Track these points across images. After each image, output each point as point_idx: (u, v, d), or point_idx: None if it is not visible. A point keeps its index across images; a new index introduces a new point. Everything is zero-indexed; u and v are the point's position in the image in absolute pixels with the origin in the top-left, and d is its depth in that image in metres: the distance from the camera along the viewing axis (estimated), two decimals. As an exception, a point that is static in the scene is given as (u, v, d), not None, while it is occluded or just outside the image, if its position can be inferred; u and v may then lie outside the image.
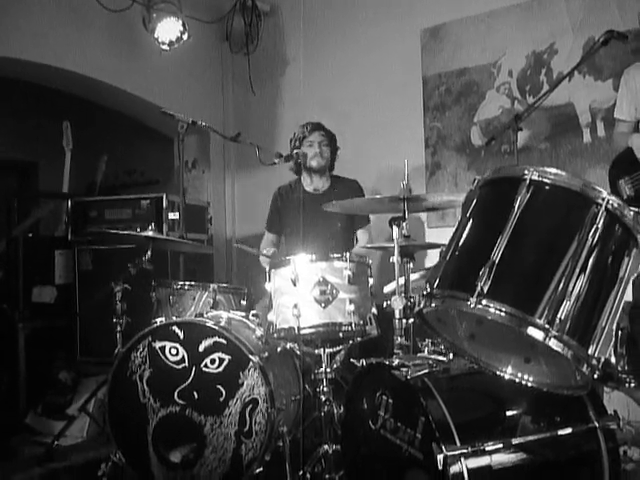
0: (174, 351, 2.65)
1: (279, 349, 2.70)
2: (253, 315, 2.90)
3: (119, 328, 3.00)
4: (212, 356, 2.60)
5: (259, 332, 2.73)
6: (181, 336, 2.66)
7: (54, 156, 4.77)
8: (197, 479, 2.58)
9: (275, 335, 2.57)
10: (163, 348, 2.67)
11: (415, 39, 4.21)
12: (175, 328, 2.67)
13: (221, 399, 2.57)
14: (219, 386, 2.58)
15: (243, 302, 3.10)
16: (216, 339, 2.61)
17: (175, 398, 2.62)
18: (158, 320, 2.75)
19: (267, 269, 2.61)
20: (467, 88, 4.01)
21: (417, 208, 2.68)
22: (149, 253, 2.99)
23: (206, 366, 2.61)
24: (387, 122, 4.25)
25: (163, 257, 3.87)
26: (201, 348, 2.62)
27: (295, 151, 3.37)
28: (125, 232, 3.55)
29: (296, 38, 4.79)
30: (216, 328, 2.62)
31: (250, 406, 2.55)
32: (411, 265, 2.59)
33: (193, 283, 3.07)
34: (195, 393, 2.60)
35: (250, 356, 2.55)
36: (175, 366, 2.64)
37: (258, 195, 4.04)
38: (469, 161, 3.99)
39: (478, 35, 3.96)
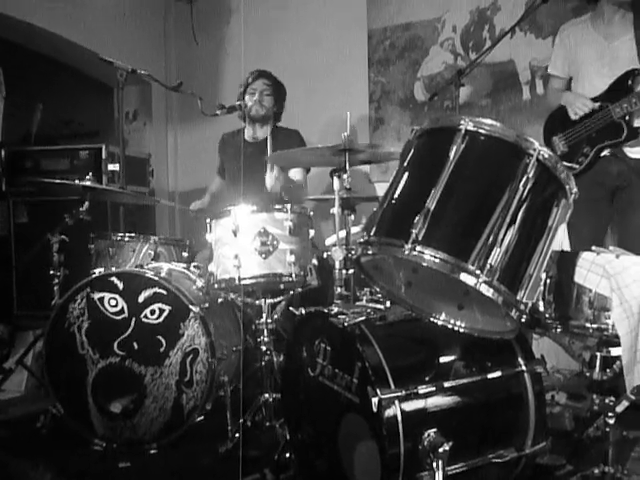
0: (113, 302, 2.63)
1: (220, 300, 2.71)
2: (194, 266, 2.90)
3: (56, 280, 2.95)
4: (152, 307, 2.60)
5: (200, 283, 2.73)
6: (120, 287, 2.63)
7: (-14, 104, 4.57)
8: (138, 428, 2.60)
9: (216, 286, 2.57)
10: (102, 299, 2.64)
11: (362, -8, 4.17)
12: (114, 279, 2.65)
13: (161, 349, 2.58)
14: (159, 337, 2.59)
15: (185, 254, 3.09)
16: (156, 290, 2.60)
17: (115, 349, 2.61)
18: (97, 271, 2.72)
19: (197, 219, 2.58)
20: (411, 43, 4.02)
21: (358, 160, 2.69)
22: (87, 204, 2.93)
23: (146, 317, 2.60)
24: (332, 75, 4.23)
25: (102, 209, 3.80)
26: (141, 299, 2.61)
27: (237, 102, 3.33)
28: (61, 182, 3.46)
29: (241, -13, 4.69)
30: (156, 279, 2.61)
31: (191, 356, 2.57)
32: (352, 217, 2.61)
33: (133, 235, 3.03)
34: (135, 344, 2.60)
35: (190, 306, 2.56)
36: (114, 317, 2.63)
37: (201, 147, 3.98)
38: (412, 116, 4.02)
39: (424, -11, 3.95)
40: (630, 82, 2.87)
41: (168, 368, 2.57)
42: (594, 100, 2.95)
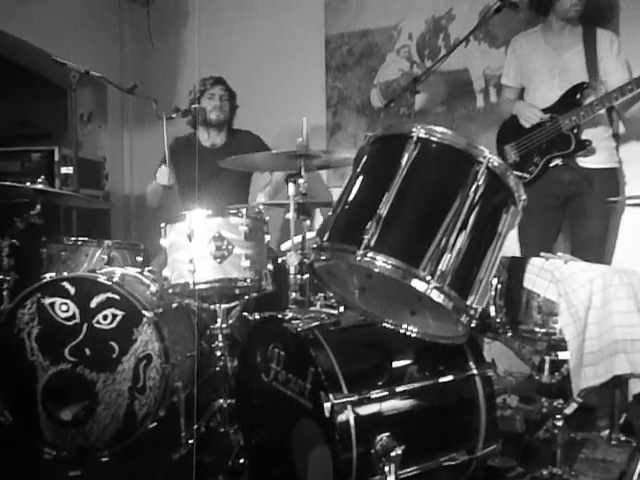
0: (64, 307, 2.58)
1: (174, 305, 2.68)
2: (148, 271, 2.86)
3: (6, 285, 2.88)
4: (105, 312, 2.56)
5: (154, 288, 2.70)
6: (72, 292, 2.59)
7: None
8: (89, 436, 2.56)
9: (170, 291, 2.55)
10: (53, 304, 2.59)
11: (320, -3, 4.20)
12: (66, 284, 2.60)
13: (114, 355, 2.54)
14: (112, 342, 2.55)
15: (139, 258, 3.06)
16: (109, 295, 2.56)
17: (66, 355, 2.56)
18: (48, 276, 2.66)
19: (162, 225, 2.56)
20: (368, 50, 4.05)
21: (314, 165, 2.70)
22: (38, 207, 2.87)
23: (98, 322, 2.56)
24: (289, 80, 4.24)
25: (55, 212, 3.72)
26: (93, 304, 2.57)
27: (193, 106, 3.31)
28: (12, 184, 3.38)
29: (198, -10, 4.66)
30: (109, 284, 2.57)
31: (144, 362, 2.54)
32: (308, 222, 2.63)
33: (86, 239, 2.98)
34: (87, 350, 2.56)
35: (144, 312, 2.53)
36: (66, 323, 2.58)
37: (156, 150, 3.93)
38: (369, 122, 4.05)
39: (381, -3, 3.99)
40: (579, 95, 2.94)
41: (121, 374, 2.53)
42: (545, 111, 3.02)
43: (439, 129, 1.75)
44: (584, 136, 2.97)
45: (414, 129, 1.74)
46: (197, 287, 2.45)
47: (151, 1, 4.68)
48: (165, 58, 4.73)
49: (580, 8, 3.00)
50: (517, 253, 3.17)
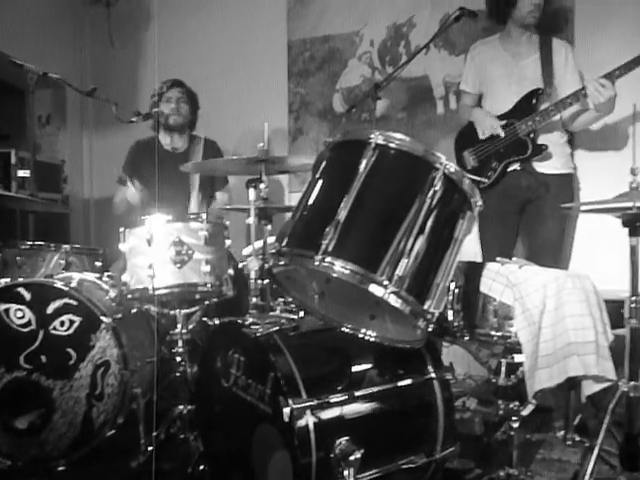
0: (20, 314, 2.53)
1: (134, 310, 2.65)
2: (107, 276, 2.82)
3: (-42, 291, 2.81)
4: (61, 318, 2.51)
5: (113, 293, 2.66)
6: (28, 298, 2.54)
7: None
8: (45, 445, 2.51)
9: (129, 296, 2.51)
10: (7, 310, 2.53)
11: (282, 3, 4.21)
12: (21, 289, 2.55)
13: (71, 362, 2.50)
14: (69, 349, 2.50)
15: (98, 263, 3.01)
16: (66, 300, 2.52)
17: (21, 363, 2.51)
18: (2, 281, 2.61)
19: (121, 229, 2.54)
20: (330, 55, 4.08)
21: (275, 170, 2.71)
22: (-7, 211, 2.82)
23: (55, 329, 2.51)
24: (251, 85, 4.24)
25: (11, 216, 3.65)
26: (49, 310, 2.52)
27: (154, 110, 3.29)
28: (-35, 188, 3.32)
29: (160, -7, 4.63)
30: (66, 289, 2.53)
31: (102, 368, 2.50)
32: (269, 227, 2.62)
33: (43, 244, 2.93)
34: (43, 357, 2.51)
35: (102, 317, 2.49)
36: (21, 329, 2.53)
37: (117, 154, 3.89)
38: (331, 127, 4.07)
39: (342, 4, 4.03)
40: (534, 101, 3.01)
41: (78, 381, 2.49)
42: (502, 117, 3.08)
43: (397, 135, 1.77)
44: (540, 141, 3.03)
45: (372, 135, 1.76)
46: (157, 292, 2.42)
47: (112, 3, 4.63)
48: (126, 61, 4.68)
49: (537, 15, 3.07)
50: (479, 256, 3.22)
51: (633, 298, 2.01)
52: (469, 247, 1.95)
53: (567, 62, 3.08)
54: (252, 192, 2.45)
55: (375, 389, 1.96)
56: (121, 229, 2.55)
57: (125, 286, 2.51)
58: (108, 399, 2.49)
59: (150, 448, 2.43)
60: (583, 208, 2.53)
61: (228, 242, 2.61)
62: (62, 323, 2.52)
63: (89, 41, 4.85)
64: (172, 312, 2.58)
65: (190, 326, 2.63)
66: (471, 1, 3.40)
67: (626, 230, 2.03)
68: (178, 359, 2.56)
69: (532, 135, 3.00)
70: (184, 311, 2.59)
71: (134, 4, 4.67)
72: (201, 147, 3.57)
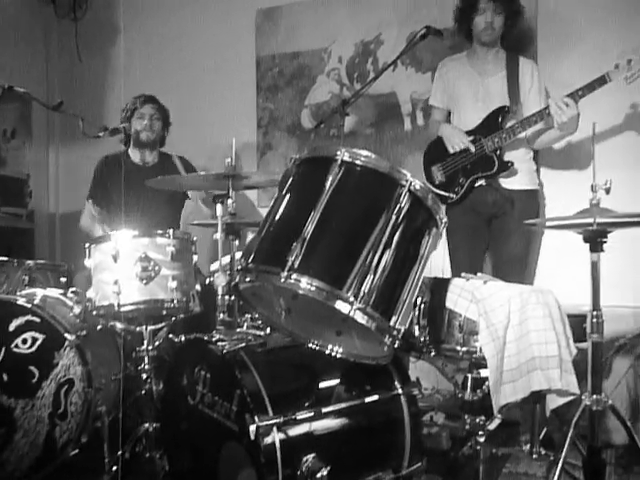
0: (-19, 331, 2.48)
1: (99, 327, 2.61)
2: (72, 292, 2.78)
3: None
4: (24, 336, 2.47)
5: (77, 310, 2.62)
6: (-11, 315, 2.49)
7: None
8: (6, 465, 2.45)
9: (94, 313, 2.48)
10: (-32, 328, 2.49)
11: (250, 19, 4.23)
12: (-18, 307, 2.50)
13: (33, 380, 2.45)
14: (32, 367, 2.46)
15: (63, 279, 2.97)
16: (29, 317, 2.48)
17: (-19, 381, 2.46)
18: (-38, 298, 2.56)
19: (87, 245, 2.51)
20: (299, 71, 4.10)
21: (243, 186, 2.71)
22: (-47, 226, 2.77)
23: (17, 346, 2.47)
24: (220, 100, 4.24)
25: (-27, 231, 3.59)
26: (12, 327, 2.48)
27: (122, 125, 3.27)
28: None
29: (129, 7, 4.62)
30: (28, 306, 2.49)
31: (65, 387, 2.46)
32: (237, 243, 2.62)
33: (6, 259, 2.88)
34: (4, 375, 2.46)
35: (66, 335, 2.46)
36: (-18, 347, 2.48)
37: (84, 169, 3.86)
38: (299, 143, 4.09)
39: (311, 20, 4.05)
40: (500, 118, 3.06)
41: (40, 400, 2.45)
42: (469, 133, 3.12)
43: (363, 152, 1.78)
44: (506, 158, 3.08)
45: (338, 152, 1.77)
46: (122, 309, 2.40)
47: (80, 17, 4.60)
48: (94, 75, 4.65)
49: (492, 33, 3.12)
50: (447, 271, 3.25)
51: (594, 312, 2.04)
52: (436, 262, 1.97)
53: (533, 80, 3.14)
54: (219, 207, 2.45)
55: (342, 405, 1.96)
56: (87, 244, 2.52)
57: (90, 302, 2.47)
58: (71, 418, 2.45)
59: (115, 468, 2.39)
60: (546, 224, 2.57)
61: (195, 258, 2.59)
62: (24, 341, 2.47)
63: (56, 55, 4.81)
64: (138, 329, 2.55)
65: (156, 343, 2.61)
66: (437, 20, 3.48)
67: (587, 246, 2.06)
68: (144, 376, 2.52)
69: (498, 152, 3.05)
70: (150, 327, 2.56)
71: (102, 18, 4.65)
72: (178, 164, 3.58)
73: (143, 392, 2.52)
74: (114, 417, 2.62)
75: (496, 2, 3.06)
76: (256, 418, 1.77)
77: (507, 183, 3.12)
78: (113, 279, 2.40)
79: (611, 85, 2.79)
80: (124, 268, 2.41)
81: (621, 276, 3.05)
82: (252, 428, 1.75)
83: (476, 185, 3.13)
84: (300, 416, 1.85)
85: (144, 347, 2.54)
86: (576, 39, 3.41)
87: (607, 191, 2.01)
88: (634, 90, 3.03)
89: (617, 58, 2.73)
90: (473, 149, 3.07)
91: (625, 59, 2.72)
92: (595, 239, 2.01)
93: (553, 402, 2.07)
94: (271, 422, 1.78)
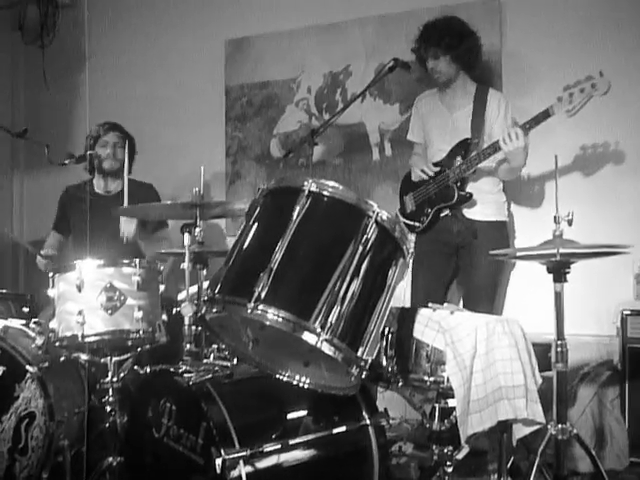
0: (-62, 363, 2.42)
1: (62, 358, 2.56)
2: (34, 323, 2.72)
3: None
4: (-17, 367, 2.41)
5: (39, 341, 2.56)
6: (-53, 347, 2.43)
7: None
8: (-37, 503, 2.38)
9: (57, 344, 2.43)
10: None
11: (220, 49, 4.25)
12: (-60, 338, 2.44)
13: (-7, 414, 2.39)
14: (-9, 400, 2.40)
15: (25, 309, 2.91)
16: (-11, 349, 2.42)
17: (-64, 416, 2.39)
18: None
19: (45, 270, 2.47)
20: (268, 101, 4.13)
21: (211, 215, 2.70)
22: None
23: (-24, 379, 2.41)
24: (189, 129, 4.25)
25: None
26: (-29, 359, 2.42)
27: (88, 152, 3.24)
28: None
29: (97, 35, 4.61)
30: (-11, 337, 2.44)
31: (26, 420, 2.40)
32: (205, 272, 2.60)
33: (-34, 289, 2.82)
34: (-39, 410, 2.40)
35: (27, 367, 2.41)
36: (-61, 380, 2.41)
37: (49, 196, 3.82)
38: (268, 172, 4.10)
39: (280, 51, 4.09)
40: (464, 151, 3.11)
41: (0, 435, 2.38)
42: (437, 164, 3.17)
43: (330, 183, 1.80)
44: (470, 189, 3.12)
45: (306, 183, 1.78)
46: (86, 339, 2.35)
47: (47, 44, 4.58)
48: (60, 102, 4.62)
49: (442, 76, 3.17)
50: (408, 300, 3.26)
51: (559, 342, 2.07)
52: (399, 291, 1.97)
53: (500, 112, 3.19)
54: (187, 237, 2.44)
55: (310, 437, 1.95)
56: (50, 274, 2.48)
57: (53, 333, 2.42)
58: (32, 453, 2.39)
59: (77, 503, 2.33)
60: (510, 255, 2.60)
61: (162, 287, 2.56)
62: (-16, 373, 2.41)
63: (22, 81, 4.78)
64: (103, 360, 2.51)
65: (121, 374, 2.56)
66: (405, 52, 3.54)
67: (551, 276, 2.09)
68: (108, 409, 2.47)
69: (459, 183, 3.09)
70: (115, 359, 2.51)
71: (69, 45, 4.64)
72: (138, 191, 3.54)
73: (107, 425, 2.47)
74: (77, 451, 2.56)
75: (437, 48, 3.11)
76: (222, 451, 1.75)
77: (470, 214, 3.16)
78: (77, 309, 2.36)
79: (568, 120, 2.86)
80: (89, 298, 2.37)
81: (584, 306, 3.10)
82: (218, 462, 1.73)
83: (442, 215, 3.17)
84: (267, 448, 1.84)
85: (108, 379, 2.49)
86: (536, 72, 3.51)
87: (569, 222, 2.05)
88: (590, 127, 3.13)
89: (562, 91, 2.80)
90: (427, 176, 3.11)
91: (567, 92, 2.78)
92: (558, 270, 2.05)
93: (519, 431, 2.07)
94: (238, 455, 1.76)
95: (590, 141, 3.33)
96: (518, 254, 2.38)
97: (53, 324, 2.44)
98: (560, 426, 2.05)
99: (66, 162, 3.04)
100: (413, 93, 3.54)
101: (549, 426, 2.05)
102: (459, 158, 3.09)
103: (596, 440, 2.87)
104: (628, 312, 2.91)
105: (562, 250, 1.96)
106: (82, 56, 4.62)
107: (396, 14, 3.78)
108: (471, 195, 3.09)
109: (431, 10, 3.51)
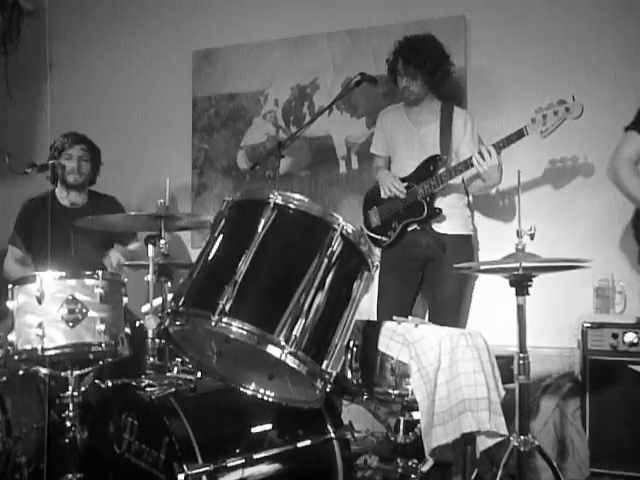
0: None
1: (20, 372, 2.50)
2: (-8, 336, 2.66)
3: None
4: (-62, 382, 2.35)
5: (-3, 354, 2.51)
6: None
7: None
8: None
9: (16, 357, 2.37)
10: None
11: (187, 60, 4.24)
12: None
13: (-52, 430, 2.32)
14: (-54, 416, 2.34)
15: (-18, 323, 2.84)
16: (-56, 363, 2.35)
17: None
18: None
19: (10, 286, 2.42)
20: (235, 113, 4.12)
21: (176, 227, 2.68)
22: None
23: None
24: (155, 139, 4.23)
25: None
26: None
27: (51, 161, 3.19)
28: None
29: (63, 43, 4.56)
30: (-56, 351, 2.37)
31: (-18, 436, 2.34)
32: (169, 284, 2.58)
33: None
34: None
35: (-16, 381, 2.34)
36: None
37: (10, 207, 3.74)
38: (235, 184, 4.09)
39: (248, 63, 4.09)
40: (432, 167, 3.14)
41: (-46, 451, 2.32)
42: (404, 180, 3.19)
43: (296, 196, 1.80)
44: (438, 204, 3.15)
45: (271, 195, 1.78)
46: (46, 353, 2.31)
47: (10, 52, 4.50)
48: (23, 111, 4.55)
49: (412, 94, 3.20)
50: (373, 313, 3.27)
51: (521, 354, 2.09)
52: (365, 304, 1.98)
53: (466, 130, 3.23)
54: (150, 249, 2.41)
55: (274, 451, 1.94)
56: (10, 285, 2.43)
57: (11, 346, 2.37)
58: (-12, 470, 2.32)
59: (34, 522, 2.27)
60: (474, 269, 2.63)
61: (125, 299, 2.52)
62: (-61, 387, 2.35)
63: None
64: (63, 374, 2.45)
65: (82, 388, 2.51)
66: (372, 67, 3.58)
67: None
68: (68, 424, 2.42)
69: (428, 198, 3.12)
70: (76, 372, 2.46)
71: (33, 53, 4.56)
72: (101, 203, 3.50)
73: (67, 441, 2.41)
74: (35, 468, 2.51)
75: (417, 70, 3.13)
76: (185, 467, 1.72)
77: (439, 227, 3.19)
78: (37, 322, 2.31)
79: (534, 138, 2.91)
80: (49, 310, 2.33)
81: (546, 318, 3.15)
82: (181, 477, 1.71)
83: (409, 229, 3.19)
84: (231, 463, 1.82)
85: (69, 393, 2.44)
86: (502, 89, 3.57)
87: (532, 237, 2.07)
88: (556, 145, 3.19)
89: (534, 113, 2.86)
90: (403, 195, 3.13)
91: (540, 114, 2.85)
92: (521, 283, 2.07)
93: (483, 443, 2.09)
94: (201, 470, 1.74)
95: (559, 155, 3.38)
96: (482, 267, 2.40)
97: (12, 337, 2.39)
98: (522, 438, 2.06)
99: (28, 171, 2.97)
100: (379, 107, 3.57)
101: (512, 438, 2.07)
102: (427, 174, 3.12)
103: (558, 451, 2.90)
104: (588, 325, 2.95)
105: (524, 264, 1.98)
106: (46, 64, 4.55)
107: (364, 29, 3.82)
108: (440, 210, 3.12)
109: (398, 26, 3.57)
